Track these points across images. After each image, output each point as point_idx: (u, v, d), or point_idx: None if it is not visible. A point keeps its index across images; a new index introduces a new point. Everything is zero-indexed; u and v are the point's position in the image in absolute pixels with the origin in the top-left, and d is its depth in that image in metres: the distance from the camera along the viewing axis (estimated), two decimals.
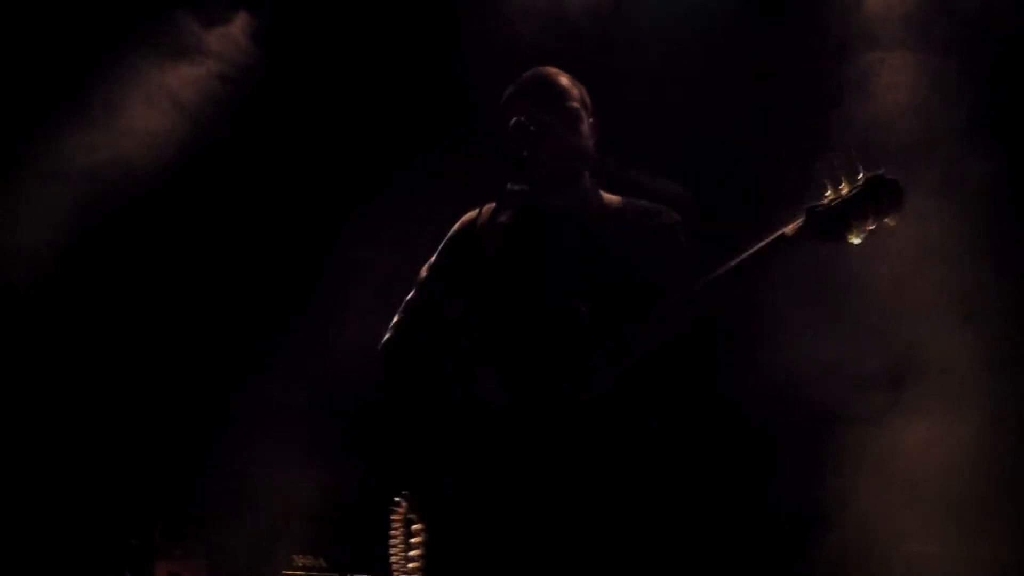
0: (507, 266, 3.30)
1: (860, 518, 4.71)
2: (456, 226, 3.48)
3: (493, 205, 3.34)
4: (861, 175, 3.00)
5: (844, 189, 3.01)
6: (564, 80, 3.39)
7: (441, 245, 3.48)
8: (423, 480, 3.21)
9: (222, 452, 5.48)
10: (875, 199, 2.98)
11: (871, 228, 3.00)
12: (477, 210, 3.39)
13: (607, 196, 3.44)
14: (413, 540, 3.24)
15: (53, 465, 5.50)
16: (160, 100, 5.44)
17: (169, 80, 5.43)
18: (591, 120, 3.40)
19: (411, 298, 3.46)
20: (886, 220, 2.99)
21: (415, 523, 3.25)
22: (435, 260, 3.47)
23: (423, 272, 3.48)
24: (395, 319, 3.45)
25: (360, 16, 5.62)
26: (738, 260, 3.07)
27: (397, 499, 3.29)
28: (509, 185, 3.27)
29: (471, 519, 3.14)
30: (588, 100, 3.43)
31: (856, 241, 3.01)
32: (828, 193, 3.03)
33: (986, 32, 4.72)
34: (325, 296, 5.45)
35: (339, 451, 5.30)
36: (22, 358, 5.52)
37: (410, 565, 3.22)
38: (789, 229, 3.05)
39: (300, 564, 5.00)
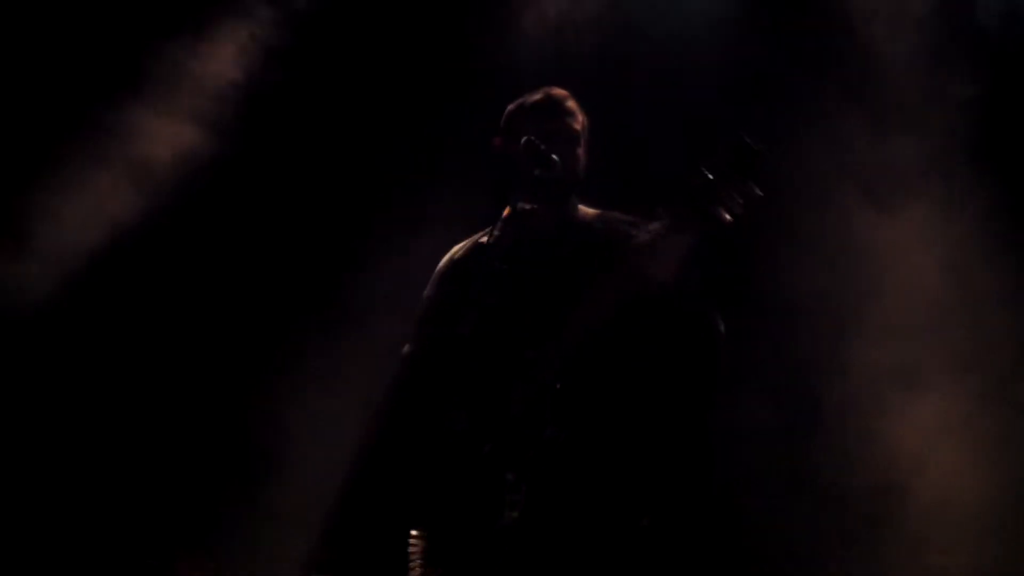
0: (512, 283, 3.31)
1: (881, 529, 4.70)
2: (443, 263, 3.53)
3: (480, 234, 3.43)
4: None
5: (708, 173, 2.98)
6: (571, 103, 3.44)
7: (430, 286, 3.50)
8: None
9: (237, 472, 5.49)
10: (736, 166, 2.95)
11: (740, 200, 2.95)
12: (461, 245, 3.49)
13: (584, 209, 3.48)
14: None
15: (68, 482, 5.50)
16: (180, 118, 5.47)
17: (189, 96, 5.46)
18: (587, 151, 3.44)
19: (410, 351, 3.48)
20: (753, 189, 2.95)
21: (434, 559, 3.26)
22: (427, 304, 3.50)
23: (417, 321, 3.50)
24: (395, 377, 3.46)
25: (370, 28, 5.62)
26: (628, 261, 3.11)
27: (415, 533, 3.30)
28: (520, 204, 3.29)
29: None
30: (587, 126, 3.47)
31: (728, 218, 2.96)
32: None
33: (995, 51, 4.72)
34: (339, 315, 5.44)
35: (356, 470, 5.28)
36: (35, 379, 5.53)
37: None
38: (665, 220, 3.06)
39: None
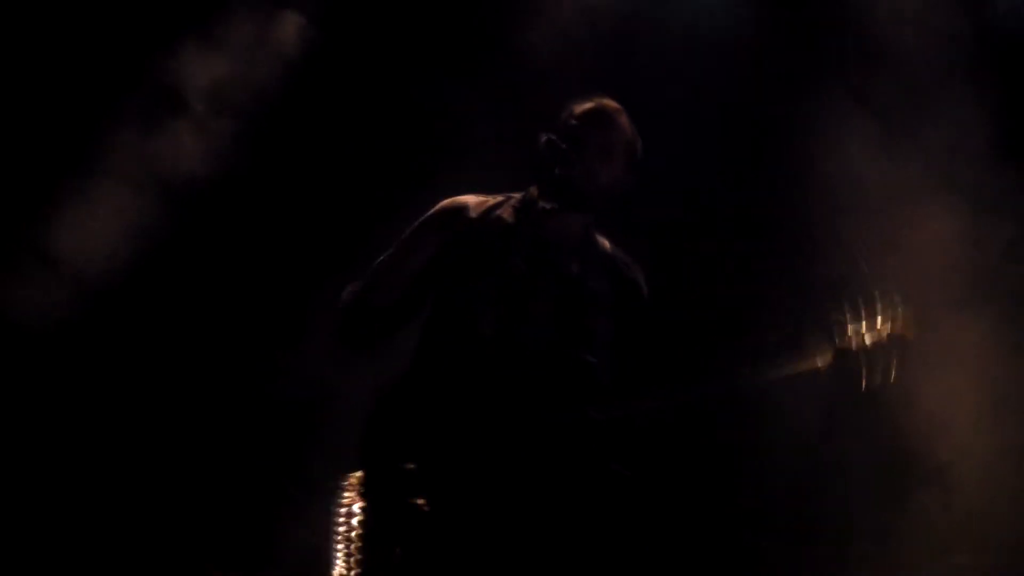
0: (530, 287, 3.31)
1: (906, 528, 4.69)
2: (450, 210, 3.45)
3: (495, 202, 3.40)
4: (885, 326, 3.13)
5: (864, 335, 3.14)
6: (617, 117, 3.43)
7: (428, 229, 3.44)
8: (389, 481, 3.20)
9: (268, 477, 5.51)
10: (896, 353, 3.12)
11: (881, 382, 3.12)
12: (472, 202, 3.43)
13: (601, 238, 3.48)
14: (354, 523, 3.25)
15: (99, 490, 5.52)
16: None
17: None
18: (625, 169, 3.42)
19: (384, 267, 3.42)
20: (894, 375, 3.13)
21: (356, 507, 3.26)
22: (421, 236, 3.43)
23: (402, 248, 3.43)
24: (360, 285, 3.41)
25: (386, 27, 5.65)
26: (765, 376, 3.17)
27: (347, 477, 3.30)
28: (542, 204, 3.28)
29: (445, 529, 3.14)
30: (637, 151, 3.46)
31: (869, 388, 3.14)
32: (850, 330, 3.15)
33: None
34: None
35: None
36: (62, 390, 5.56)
37: (350, 548, 3.24)
38: (821, 364, 3.15)
39: None
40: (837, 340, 3.15)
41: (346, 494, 3.27)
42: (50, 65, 5.44)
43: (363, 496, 3.23)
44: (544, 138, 3.27)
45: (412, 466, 3.14)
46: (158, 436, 5.57)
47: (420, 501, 3.09)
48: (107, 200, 5.42)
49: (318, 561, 5.07)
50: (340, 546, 3.26)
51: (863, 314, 3.16)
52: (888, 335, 3.13)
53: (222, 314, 5.67)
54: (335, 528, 3.27)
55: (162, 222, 5.44)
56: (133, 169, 5.43)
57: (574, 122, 3.37)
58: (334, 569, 3.26)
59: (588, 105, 3.43)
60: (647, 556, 3.32)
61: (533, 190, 3.30)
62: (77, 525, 5.45)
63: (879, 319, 3.15)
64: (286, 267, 5.67)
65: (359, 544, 3.23)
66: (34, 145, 5.41)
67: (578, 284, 3.34)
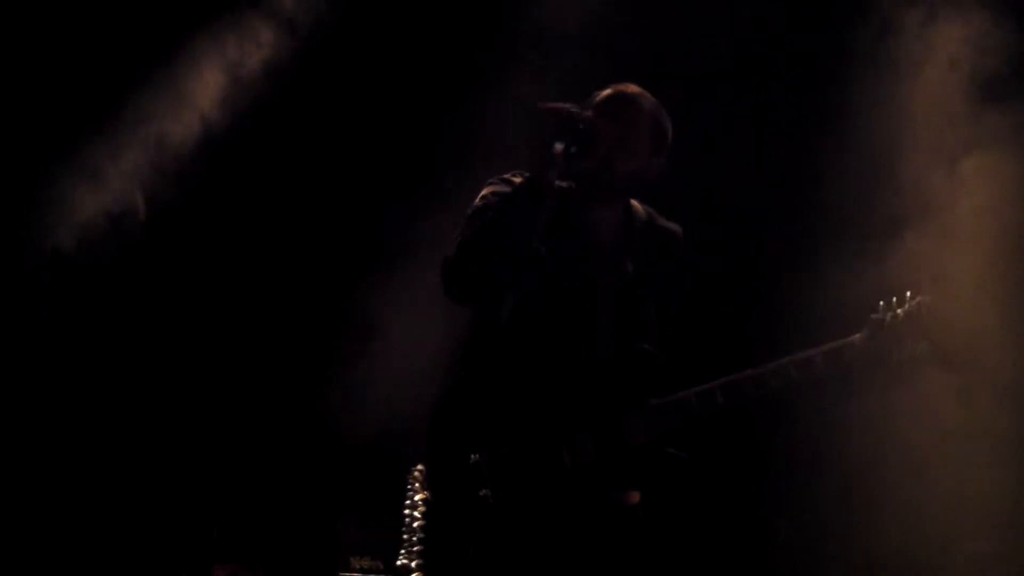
0: (554, 270, 3.26)
1: (922, 516, 4.68)
2: (495, 180, 3.40)
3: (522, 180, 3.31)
4: (913, 299, 3.24)
5: (897, 309, 3.24)
6: (634, 107, 3.37)
7: (488, 186, 3.37)
8: (458, 475, 3.18)
9: (279, 454, 5.53)
10: (923, 322, 3.21)
11: (911, 352, 3.21)
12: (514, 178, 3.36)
13: (636, 207, 3.45)
14: (418, 512, 3.28)
15: (112, 467, 5.56)
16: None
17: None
18: (650, 155, 3.38)
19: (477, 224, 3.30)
20: (923, 347, 3.21)
21: (422, 497, 3.31)
22: (497, 198, 3.33)
23: (485, 202, 3.34)
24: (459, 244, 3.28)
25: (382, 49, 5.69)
26: (808, 354, 3.23)
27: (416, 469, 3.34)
28: (558, 183, 3.19)
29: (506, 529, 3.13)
30: (665, 134, 3.41)
31: (900, 361, 3.23)
32: (882, 306, 3.25)
33: None
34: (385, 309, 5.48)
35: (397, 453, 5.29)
36: (80, 359, 5.59)
37: (414, 537, 3.28)
38: (858, 338, 3.23)
39: (357, 567, 5.01)
40: (872, 314, 3.23)
41: (411, 487, 3.31)
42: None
43: (428, 489, 3.26)
44: (565, 111, 3.17)
45: (476, 457, 3.14)
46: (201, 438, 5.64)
47: (484, 492, 3.10)
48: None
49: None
50: (405, 537, 3.30)
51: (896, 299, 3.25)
52: (920, 305, 3.21)
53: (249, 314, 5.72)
54: (402, 519, 3.31)
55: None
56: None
57: (590, 113, 3.30)
58: (399, 559, 3.29)
59: (605, 93, 3.37)
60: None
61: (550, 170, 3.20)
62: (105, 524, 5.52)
63: (911, 295, 3.24)
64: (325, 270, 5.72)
65: (424, 535, 3.30)
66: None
67: (626, 280, 3.34)
